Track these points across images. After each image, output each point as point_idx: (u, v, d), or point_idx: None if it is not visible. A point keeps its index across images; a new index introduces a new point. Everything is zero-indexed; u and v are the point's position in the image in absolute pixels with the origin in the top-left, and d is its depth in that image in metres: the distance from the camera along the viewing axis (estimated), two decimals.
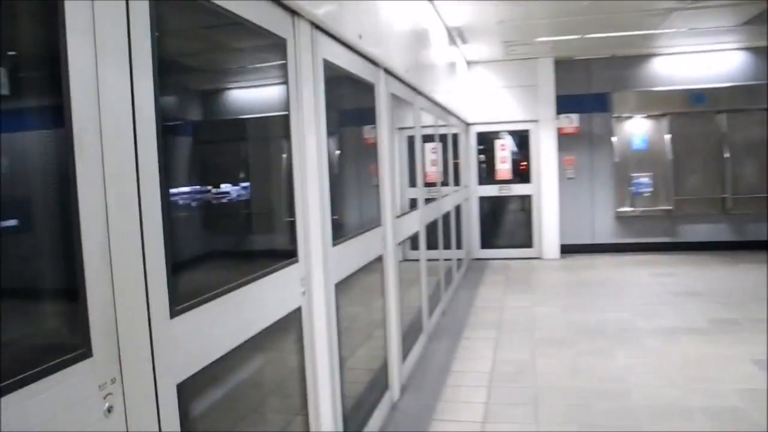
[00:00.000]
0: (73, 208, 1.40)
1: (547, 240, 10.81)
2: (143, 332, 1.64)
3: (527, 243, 11.03)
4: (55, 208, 1.51)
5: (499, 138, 11.13)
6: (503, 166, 11.10)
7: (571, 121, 10.83)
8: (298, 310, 2.80)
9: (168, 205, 1.75)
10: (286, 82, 2.77)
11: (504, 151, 11.11)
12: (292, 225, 2.79)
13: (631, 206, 10.84)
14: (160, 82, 1.72)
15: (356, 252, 3.71)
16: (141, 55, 1.65)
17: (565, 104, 10.73)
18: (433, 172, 7.41)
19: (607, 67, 10.77)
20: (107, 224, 1.49)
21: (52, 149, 1.47)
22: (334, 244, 3.27)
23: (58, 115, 1.38)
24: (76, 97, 1.40)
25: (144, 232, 1.63)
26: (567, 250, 10.80)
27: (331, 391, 3.11)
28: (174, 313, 1.78)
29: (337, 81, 3.94)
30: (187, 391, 1.84)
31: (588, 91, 10.87)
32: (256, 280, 2.35)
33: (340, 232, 3.69)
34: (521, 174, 11.07)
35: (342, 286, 3.42)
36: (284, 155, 2.81)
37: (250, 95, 3.30)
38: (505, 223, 11.46)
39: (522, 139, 11.10)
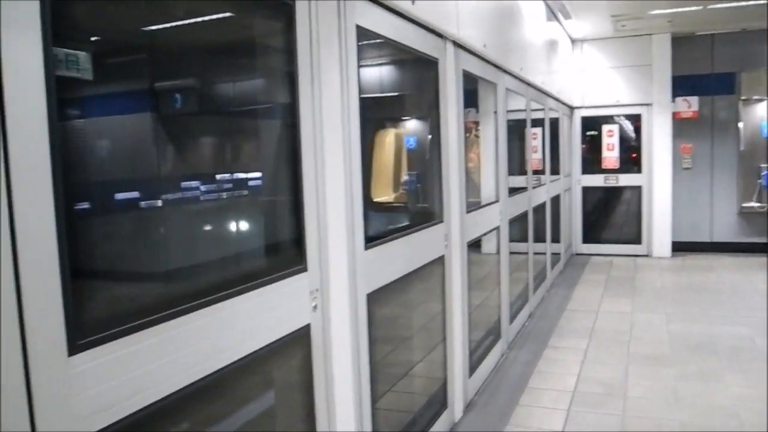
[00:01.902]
0: None
1: (657, 236, 9.76)
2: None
3: (635, 239, 10.02)
4: None
5: (606, 123, 10.16)
6: (610, 154, 10.13)
7: (690, 105, 9.70)
8: (306, 328, 2.32)
9: None
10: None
11: (611, 137, 10.14)
12: (298, 227, 2.30)
13: (759, 201, 9.58)
14: None
15: (401, 255, 3.18)
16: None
17: (682, 86, 9.61)
18: (528, 160, 6.73)
19: (734, 43, 9.52)
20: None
21: None
22: (368, 247, 2.76)
23: None
24: None
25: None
26: (680, 248, 9.73)
27: (356, 422, 2.61)
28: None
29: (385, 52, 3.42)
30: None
31: (710, 71, 9.67)
32: (229, 298, 1.89)
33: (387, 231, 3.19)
34: (630, 163, 10.05)
35: (380, 296, 2.91)
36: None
37: None
38: (610, 216, 10.48)
39: (632, 124, 10.06)
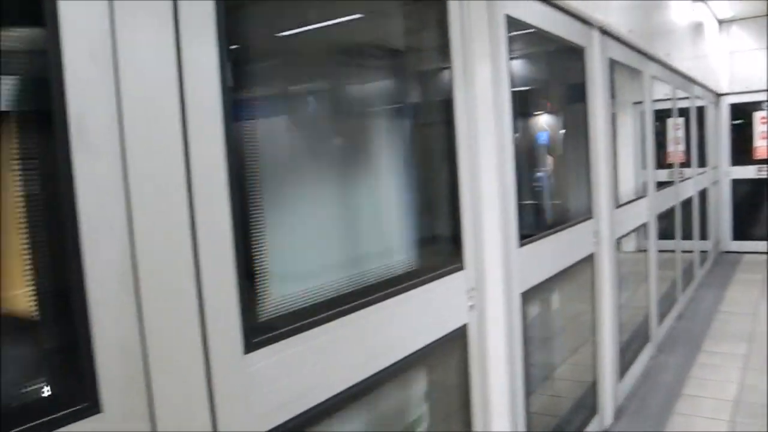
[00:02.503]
0: None
1: None
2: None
3: None
4: None
5: (758, 110, 9.35)
6: (763, 143, 9.32)
7: None
8: (463, 328, 2.26)
9: None
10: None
11: (764, 125, 9.32)
12: (456, 224, 2.24)
13: None
14: None
15: (553, 253, 3.05)
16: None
17: None
18: (672, 152, 6.33)
19: None
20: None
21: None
22: (522, 244, 2.66)
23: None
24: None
25: None
26: None
27: (511, 423, 2.52)
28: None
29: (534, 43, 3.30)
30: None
31: None
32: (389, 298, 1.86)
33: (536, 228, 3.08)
34: None
35: (532, 295, 2.81)
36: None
37: None
38: (764, 211, 9.63)
39: None
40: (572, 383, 3.76)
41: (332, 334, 1.64)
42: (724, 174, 9.50)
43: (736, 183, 9.53)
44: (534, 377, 3.22)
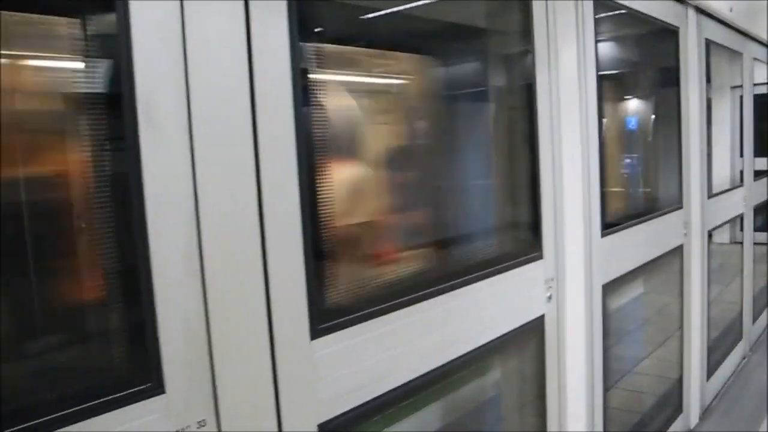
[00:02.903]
0: None
1: None
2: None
3: None
4: None
5: None
6: None
7: None
8: (540, 319, 2.20)
9: None
10: None
11: None
12: (535, 212, 2.17)
13: None
14: None
15: (638, 243, 2.92)
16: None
17: None
18: None
19: None
20: None
21: None
22: (604, 234, 2.55)
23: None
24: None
25: None
26: None
27: (587, 419, 2.44)
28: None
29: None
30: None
31: None
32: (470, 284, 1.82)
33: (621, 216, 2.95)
34: None
35: (615, 287, 2.70)
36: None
37: None
38: None
39: None
40: (656, 379, 3.61)
41: (401, 322, 1.61)
42: None
43: None
44: (615, 371, 3.11)
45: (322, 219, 1.44)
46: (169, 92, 1.09)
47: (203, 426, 1.15)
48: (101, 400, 1.01)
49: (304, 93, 1.35)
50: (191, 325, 1.12)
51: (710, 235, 4.57)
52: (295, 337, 1.34)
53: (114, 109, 1.04)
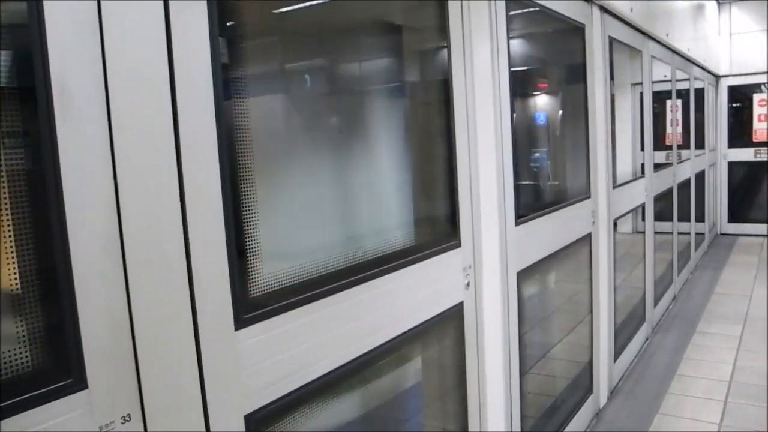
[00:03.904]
0: None
1: None
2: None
3: None
4: None
5: (757, 92, 9.30)
6: (761, 126, 9.29)
7: None
8: (459, 306, 2.25)
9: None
10: None
11: (764, 107, 9.28)
12: (452, 202, 2.22)
13: None
14: None
15: (550, 232, 3.04)
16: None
17: None
18: (671, 133, 6.30)
19: None
20: None
21: None
22: (518, 223, 2.64)
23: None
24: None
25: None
26: None
27: (505, 403, 2.52)
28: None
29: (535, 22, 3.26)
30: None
31: None
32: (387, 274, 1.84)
33: (532, 207, 3.06)
34: None
35: (529, 274, 2.80)
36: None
37: None
38: (761, 193, 9.62)
39: None
40: (568, 363, 3.77)
41: (326, 310, 1.63)
42: (721, 156, 9.48)
43: (733, 165, 9.51)
44: (530, 357, 3.22)
45: (246, 209, 1.42)
46: (86, 84, 1.05)
47: (128, 421, 1.13)
48: (20, 398, 0.97)
49: (225, 86, 1.33)
50: (113, 319, 1.10)
51: (615, 224, 4.82)
52: (220, 328, 1.33)
53: (28, 102, 1.00)
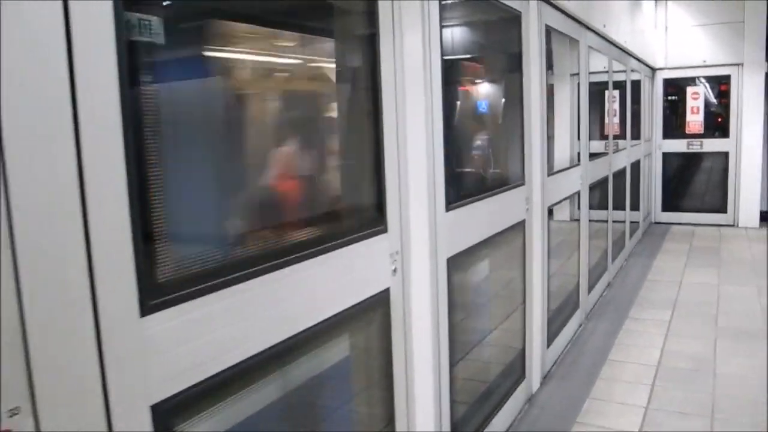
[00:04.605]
0: None
1: (744, 205, 9.22)
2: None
3: (719, 207, 9.49)
4: None
5: (691, 85, 9.58)
6: (695, 118, 9.58)
7: None
8: (385, 292, 2.22)
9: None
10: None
11: (696, 100, 9.57)
12: (379, 187, 2.18)
13: None
14: None
15: (482, 218, 3.03)
16: None
17: None
18: (607, 124, 6.42)
19: None
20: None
21: None
22: (449, 209, 2.62)
23: None
24: None
25: None
26: None
27: (434, 389, 2.51)
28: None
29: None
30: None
31: None
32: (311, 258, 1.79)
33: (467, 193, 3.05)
34: (717, 128, 9.47)
35: (461, 260, 2.79)
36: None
37: None
38: (693, 183, 9.95)
39: (719, 86, 9.45)
40: (501, 349, 3.80)
41: (242, 296, 1.57)
42: (656, 147, 9.74)
43: (668, 156, 9.79)
44: (462, 343, 3.23)
45: (152, 192, 1.35)
46: None
47: (16, 414, 1.05)
48: None
49: (130, 66, 1.25)
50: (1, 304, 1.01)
51: (551, 212, 4.89)
52: (123, 314, 1.26)
53: None
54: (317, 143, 2.25)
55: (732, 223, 9.33)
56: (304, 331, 1.78)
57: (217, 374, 1.51)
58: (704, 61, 9.31)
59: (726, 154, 9.37)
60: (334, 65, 2.31)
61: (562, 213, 5.65)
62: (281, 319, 1.71)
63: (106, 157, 1.20)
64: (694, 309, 5.49)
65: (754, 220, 9.15)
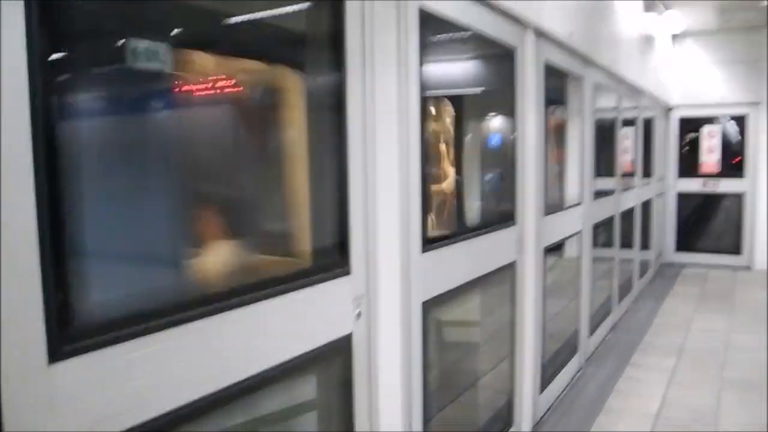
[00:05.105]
0: None
1: (759, 247, 8.97)
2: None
3: (734, 249, 9.26)
4: None
5: (706, 124, 9.41)
6: (710, 158, 9.40)
7: None
8: (347, 338, 2.09)
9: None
10: None
11: (712, 139, 9.40)
12: (342, 225, 2.07)
13: None
14: None
15: (465, 260, 2.91)
16: None
17: None
18: (617, 162, 6.27)
19: None
20: None
21: None
22: (426, 249, 2.50)
23: None
24: None
25: None
26: None
27: None
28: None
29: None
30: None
31: None
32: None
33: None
34: (732, 167, 9.27)
35: (438, 304, 2.66)
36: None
37: None
38: (707, 224, 9.72)
39: (736, 125, 9.27)
40: (486, 396, 3.64)
41: (172, 342, 1.45)
42: (670, 186, 9.56)
43: (682, 195, 9.60)
44: (443, 392, 3.08)
45: (69, 224, 1.25)
46: None
47: None
48: None
49: (45, 81, 1.17)
50: None
51: (562, 249, 4.74)
52: (27, 361, 1.16)
53: None
54: (267, 174, 2.14)
55: (747, 265, 9.08)
56: (244, 380, 1.66)
57: (138, 426, 1.39)
58: (721, 100, 9.15)
59: (742, 195, 9.16)
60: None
61: (574, 249, 5.49)
62: (218, 368, 1.59)
63: (12, 187, 1.11)
64: (701, 357, 5.27)
65: None
